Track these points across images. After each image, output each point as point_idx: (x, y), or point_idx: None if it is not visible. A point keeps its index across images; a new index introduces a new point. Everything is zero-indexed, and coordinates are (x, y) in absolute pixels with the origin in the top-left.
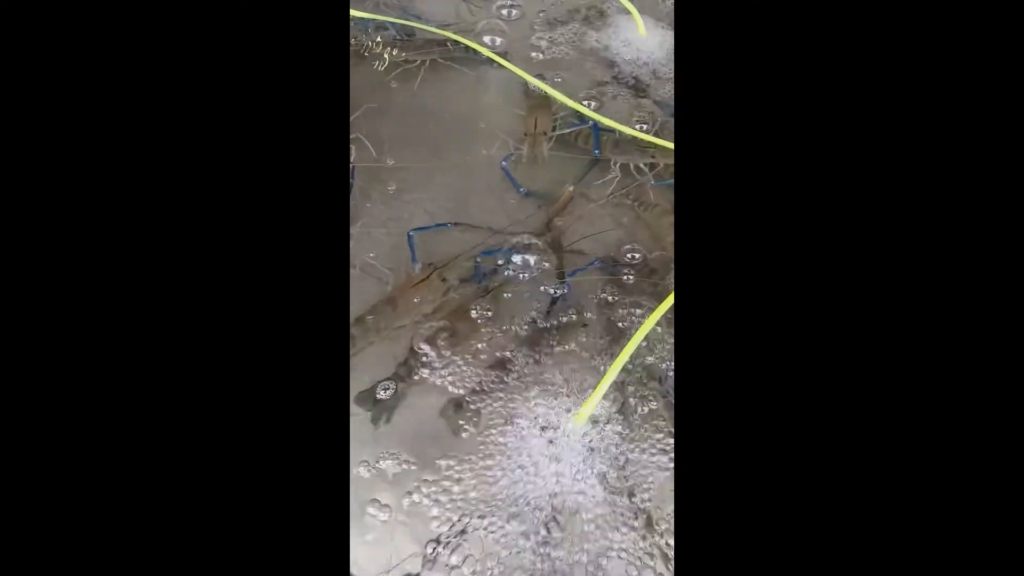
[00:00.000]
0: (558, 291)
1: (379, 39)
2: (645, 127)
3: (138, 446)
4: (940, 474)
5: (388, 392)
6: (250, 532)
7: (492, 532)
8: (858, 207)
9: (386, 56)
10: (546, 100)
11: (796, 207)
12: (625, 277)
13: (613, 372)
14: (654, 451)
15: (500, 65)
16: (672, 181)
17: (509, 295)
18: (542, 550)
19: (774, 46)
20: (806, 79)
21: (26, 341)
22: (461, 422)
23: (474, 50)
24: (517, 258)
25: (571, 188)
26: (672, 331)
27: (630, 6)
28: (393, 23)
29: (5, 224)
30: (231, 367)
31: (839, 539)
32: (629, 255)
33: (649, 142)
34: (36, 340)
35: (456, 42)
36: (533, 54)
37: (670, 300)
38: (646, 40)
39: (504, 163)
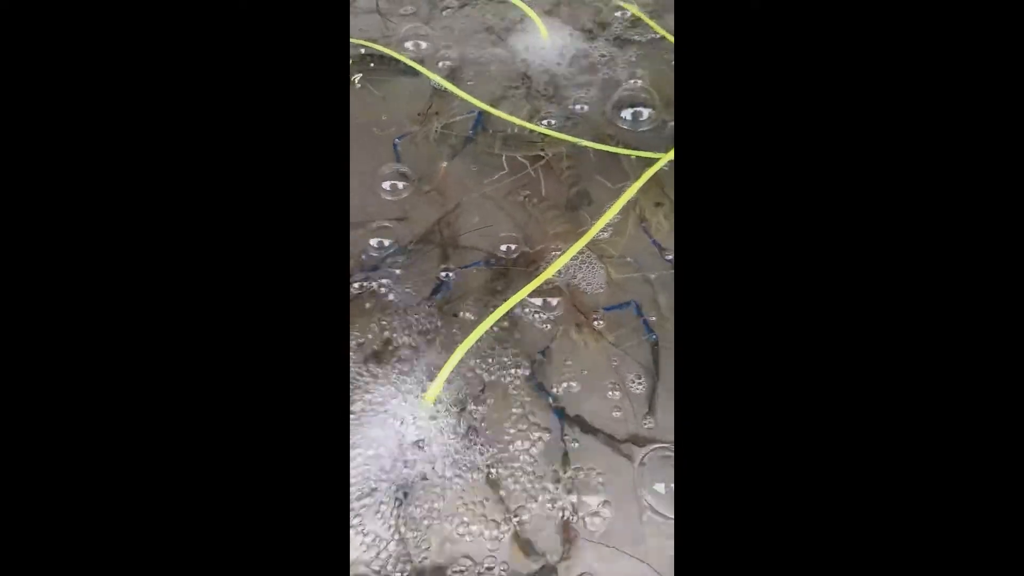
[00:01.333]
0: (440, 282)
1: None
2: (552, 123)
3: (131, 434)
4: (936, 480)
5: None
6: (246, 522)
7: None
8: (857, 208)
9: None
10: (447, 94)
11: (794, 209)
12: (508, 262)
13: (460, 352)
14: (512, 430)
15: (415, 74)
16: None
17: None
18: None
19: (770, 49)
20: (806, 82)
21: (19, 332)
22: None
23: (389, 61)
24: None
25: (444, 165)
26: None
27: (532, 13)
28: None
29: (4, 224)
30: (230, 367)
31: (837, 539)
32: (511, 247)
33: (543, 135)
34: (29, 325)
35: (373, 57)
36: (440, 63)
37: (529, 288)
38: (548, 43)
39: (398, 140)
